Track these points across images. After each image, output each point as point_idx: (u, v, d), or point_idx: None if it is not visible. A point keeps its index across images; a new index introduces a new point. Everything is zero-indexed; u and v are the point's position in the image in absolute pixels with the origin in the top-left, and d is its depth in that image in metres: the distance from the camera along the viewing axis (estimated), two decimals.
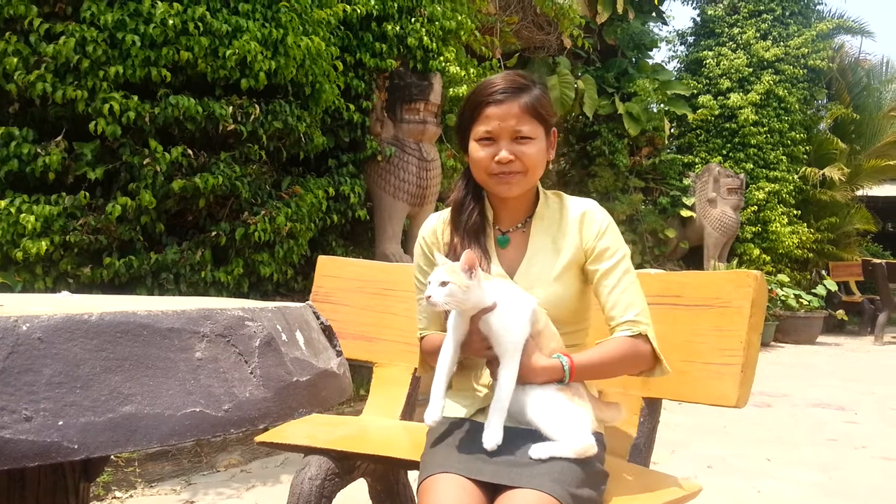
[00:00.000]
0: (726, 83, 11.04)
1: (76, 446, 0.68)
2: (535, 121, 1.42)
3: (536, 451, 1.26)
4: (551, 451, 1.26)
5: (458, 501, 1.21)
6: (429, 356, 1.58)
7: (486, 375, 1.49)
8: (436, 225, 1.57)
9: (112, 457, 2.79)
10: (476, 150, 1.44)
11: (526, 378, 1.34)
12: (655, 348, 1.41)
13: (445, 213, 1.57)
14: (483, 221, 1.51)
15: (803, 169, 11.19)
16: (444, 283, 1.27)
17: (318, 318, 1.02)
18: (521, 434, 1.34)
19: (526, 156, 1.42)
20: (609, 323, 1.43)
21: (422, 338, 1.60)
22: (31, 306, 0.82)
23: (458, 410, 1.49)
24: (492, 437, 1.28)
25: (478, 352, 1.36)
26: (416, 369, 2.03)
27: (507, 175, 1.43)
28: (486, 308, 1.31)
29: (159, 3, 3.26)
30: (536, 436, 1.33)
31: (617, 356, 1.39)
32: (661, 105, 9.98)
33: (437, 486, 1.25)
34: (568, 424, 1.31)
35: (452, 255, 1.47)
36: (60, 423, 0.67)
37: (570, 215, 1.49)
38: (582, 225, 1.47)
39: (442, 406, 1.35)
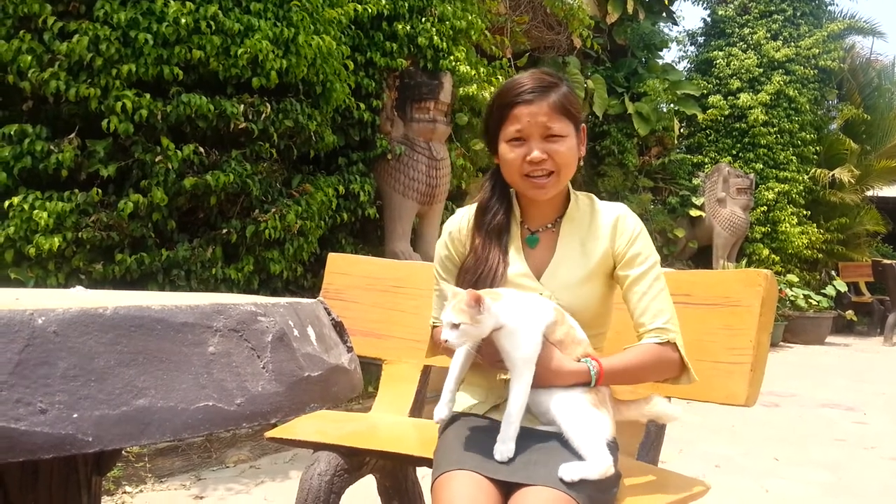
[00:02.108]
0: (736, 83, 10.98)
1: (90, 439, 0.68)
2: (564, 118, 1.41)
3: (567, 473, 1.23)
4: (581, 473, 1.24)
5: (473, 498, 1.21)
6: (439, 345, 1.58)
7: (503, 374, 1.48)
8: (461, 221, 1.55)
9: (123, 451, 2.81)
10: (507, 152, 1.42)
11: (551, 381, 1.33)
12: (683, 356, 1.40)
13: (472, 209, 1.56)
14: (508, 222, 1.50)
15: (813, 169, 11.12)
16: (455, 326, 1.26)
17: (329, 314, 1.03)
18: (536, 435, 1.34)
19: (558, 154, 1.40)
20: (637, 329, 1.42)
21: (434, 327, 1.60)
22: (47, 300, 0.83)
23: (472, 402, 1.49)
24: (504, 451, 1.28)
25: (491, 363, 1.36)
26: (425, 367, 2.04)
27: (540, 178, 1.41)
28: (499, 326, 1.30)
29: (172, 1, 3.27)
30: (552, 437, 1.33)
31: (645, 362, 1.39)
32: (671, 105, 9.94)
33: (452, 482, 1.25)
34: (589, 430, 1.30)
35: (473, 255, 1.47)
36: (75, 415, 0.68)
37: (602, 219, 1.48)
38: (614, 230, 1.46)
39: (450, 406, 1.38)
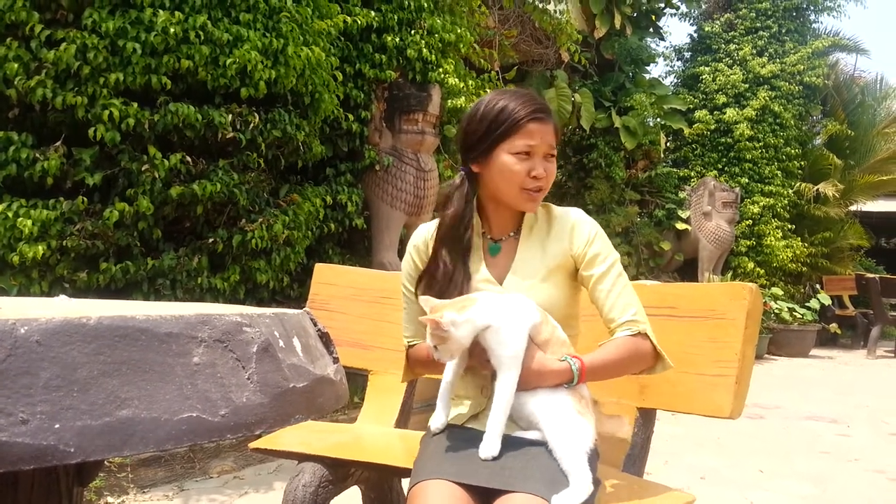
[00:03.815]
0: (722, 98, 11.09)
1: (72, 450, 0.68)
2: (556, 140, 1.50)
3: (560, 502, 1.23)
4: (571, 500, 1.23)
5: None
6: (416, 365, 1.61)
7: (488, 385, 1.49)
8: (427, 236, 1.58)
9: (105, 462, 2.78)
10: (512, 164, 1.45)
11: (535, 382, 1.35)
12: (656, 345, 1.43)
13: (435, 222, 1.59)
14: (471, 232, 1.53)
15: (798, 184, 11.23)
16: (435, 348, 1.33)
17: (315, 324, 1.03)
18: (515, 441, 1.35)
19: (552, 172, 1.49)
20: (608, 325, 1.46)
21: (409, 346, 1.62)
22: (30, 309, 0.82)
23: (452, 413, 1.50)
24: (489, 448, 1.30)
25: (481, 364, 1.38)
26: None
27: (538, 192, 1.47)
28: (481, 328, 1.34)
29: (161, 11, 3.27)
30: (531, 443, 1.34)
31: (622, 356, 1.41)
32: (658, 119, 10.01)
33: (426, 492, 1.26)
34: (572, 441, 1.31)
35: (440, 266, 1.48)
36: (57, 426, 0.67)
37: (559, 223, 1.53)
38: (572, 233, 1.51)
39: (446, 414, 1.44)
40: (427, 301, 1.37)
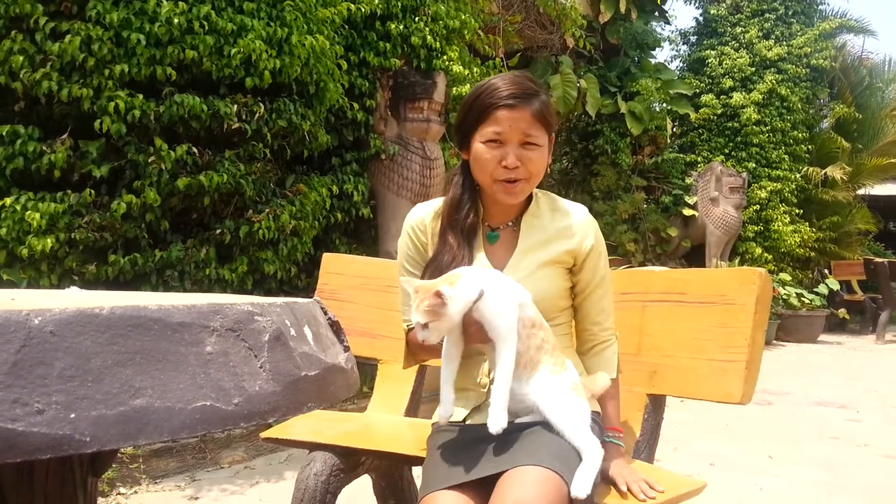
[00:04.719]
0: (729, 82, 11.02)
1: (88, 439, 0.68)
2: (542, 127, 1.44)
3: (580, 489, 1.24)
4: (587, 479, 1.26)
5: None
6: (417, 350, 1.58)
7: (483, 374, 1.49)
8: (424, 215, 1.57)
9: (118, 453, 2.80)
10: (483, 152, 1.44)
11: (622, 468, 1.46)
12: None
13: (434, 204, 1.58)
14: (476, 219, 1.52)
15: (805, 168, 11.16)
16: (424, 326, 1.29)
17: (325, 313, 1.03)
18: (516, 428, 1.36)
19: (532, 162, 1.43)
20: (592, 326, 1.55)
21: (409, 329, 1.59)
22: (43, 300, 0.82)
23: (458, 412, 1.49)
24: (497, 421, 1.28)
25: (479, 339, 1.37)
26: (421, 366, 2.03)
27: (512, 184, 1.44)
28: (473, 300, 1.32)
29: (165, 1, 3.26)
30: (530, 425, 1.36)
31: (619, 388, 1.56)
32: (664, 104, 9.96)
33: (434, 503, 1.27)
34: (574, 417, 1.34)
35: (447, 253, 1.48)
36: (72, 415, 0.67)
37: (565, 218, 1.53)
38: (574, 229, 1.51)
39: (452, 402, 1.40)
40: (410, 282, 1.36)
